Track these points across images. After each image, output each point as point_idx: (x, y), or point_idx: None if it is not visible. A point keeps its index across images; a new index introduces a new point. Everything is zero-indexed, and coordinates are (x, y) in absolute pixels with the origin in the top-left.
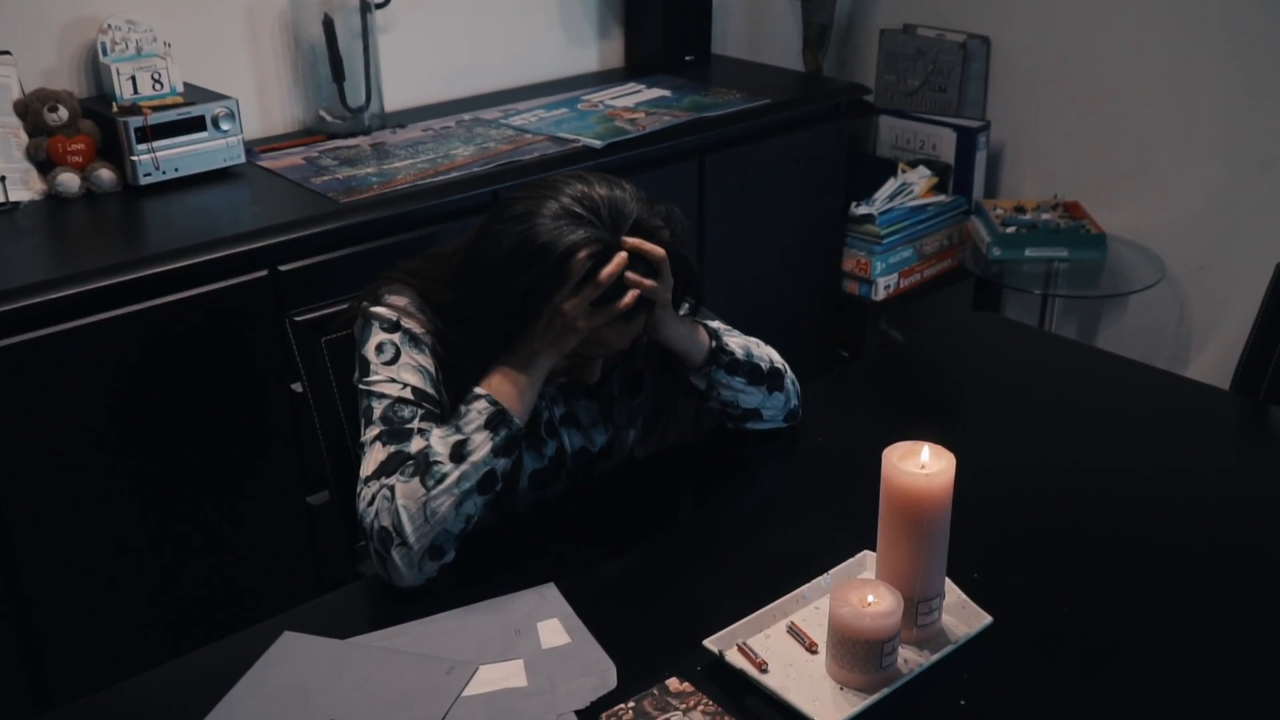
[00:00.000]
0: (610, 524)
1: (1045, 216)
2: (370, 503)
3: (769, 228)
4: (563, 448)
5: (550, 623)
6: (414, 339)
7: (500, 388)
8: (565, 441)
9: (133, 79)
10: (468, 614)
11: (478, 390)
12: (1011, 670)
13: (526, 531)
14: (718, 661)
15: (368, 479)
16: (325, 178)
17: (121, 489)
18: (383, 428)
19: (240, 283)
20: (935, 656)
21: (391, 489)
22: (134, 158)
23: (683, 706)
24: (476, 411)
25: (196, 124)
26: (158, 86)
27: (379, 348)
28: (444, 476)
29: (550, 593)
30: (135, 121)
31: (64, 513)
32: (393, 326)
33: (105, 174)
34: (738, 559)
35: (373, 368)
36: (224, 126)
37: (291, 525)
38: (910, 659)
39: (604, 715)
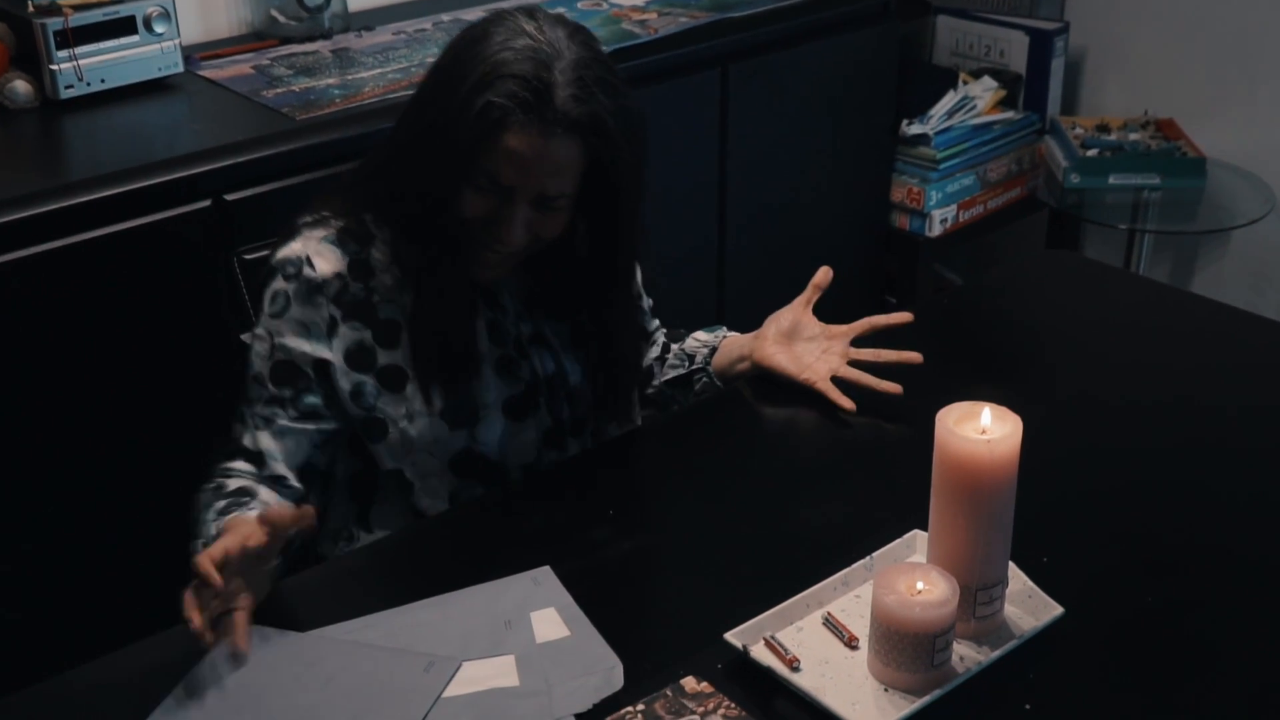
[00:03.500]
0: (616, 498)
1: (1133, 137)
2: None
3: (804, 151)
4: (535, 371)
5: (546, 613)
6: (312, 288)
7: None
8: (537, 364)
9: None
10: (449, 602)
11: (219, 525)
12: (1085, 670)
13: (518, 505)
14: (741, 658)
15: (213, 456)
16: (278, 90)
17: (43, 454)
18: (242, 404)
19: (179, 214)
20: (996, 654)
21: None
22: (53, 67)
23: (700, 710)
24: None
25: (126, 26)
26: None
27: (273, 297)
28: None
29: (546, 578)
30: (54, 23)
31: None
32: (295, 272)
33: (20, 86)
34: (765, 539)
35: (261, 318)
36: (158, 29)
37: None
38: (967, 656)
39: None
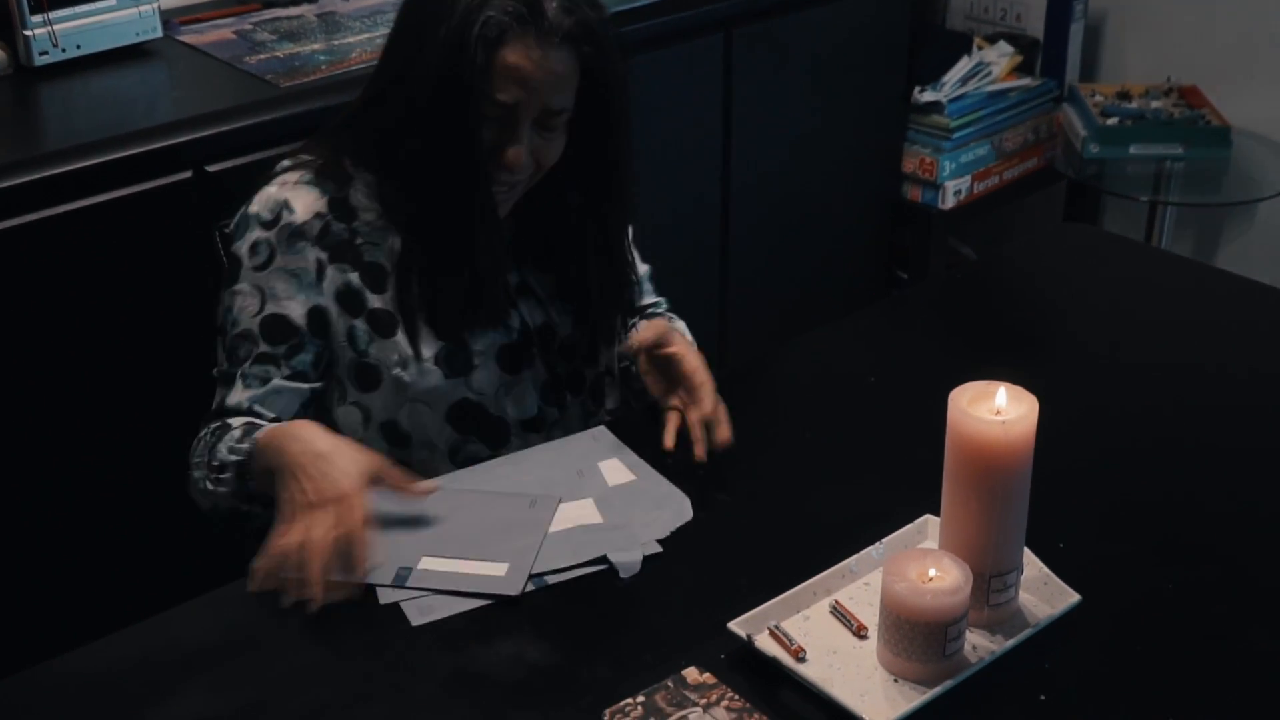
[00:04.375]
0: None
1: (1155, 105)
2: (193, 445)
3: (811, 120)
4: (526, 322)
5: (611, 463)
6: (294, 233)
7: (269, 442)
8: (525, 315)
9: None
10: (521, 459)
11: (257, 434)
12: (1103, 660)
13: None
14: (745, 648)
15: (204, 422)
16: (262, 56)
17: (20, 436)
18: (225, 364)
19: (159, 186)
20: (1010, 643)
21: (197, 447)
22: (27, 32)
23: (702, 701)
24: (239, 448)
25: None
26: None
27: (253, 248)
28: (207, 481)
29: (604, 435)
30: None
31: None
32: (273, 219)
33: None
34: (769, 525)
35: (242, 271)
36: None
37: None
38: (980, 646)
39: (608, 712)
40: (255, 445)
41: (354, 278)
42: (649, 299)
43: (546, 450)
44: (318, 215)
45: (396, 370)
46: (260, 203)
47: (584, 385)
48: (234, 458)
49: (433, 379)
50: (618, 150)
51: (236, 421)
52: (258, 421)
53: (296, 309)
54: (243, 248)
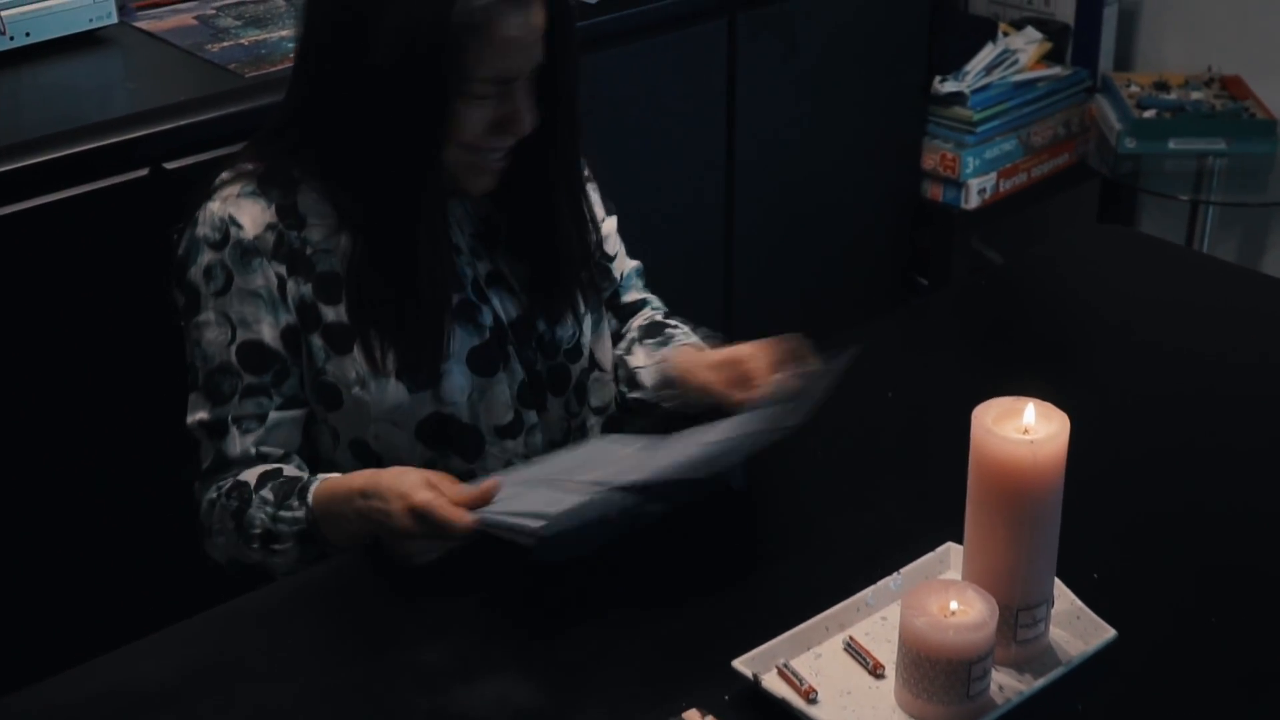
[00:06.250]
0: None
1: (1196, 96)
2: (205, 511)
3: (823, 113)
4: (499, 316)
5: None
6: (247, 250)
7: (321, 504)
8: (498, 308)
9: None
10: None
11: (309, 493)
12: (1140, 700)
13: None
14: (751, 688)
15: (201, 480)
16: (225, 44)
17: None
18: (207, 408)
19: (113, 185)
20: (1040, 682)
21: (213, 511)
22: None
23: None
24: (294, 518)
25: None
26: None
27: (208, 272)
28: (250, 551)
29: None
30: None
31: None
32: (222, 238)
33: None
34: (778, 554)
35: (203, 300)
36: None
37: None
38: (1007, 685)
39: None
40: (313, 513)
41: (308, 290)
42: (635, 295)
43: (582, 453)
44: (269, 227)
45: (356, 390)
46: (205, 223)
47: (569, 383)
48: (289, 528)
49: (395, 396)
50: (573, 70)
51: (250, 475)
52: (280, 470)
53: (269, 332)
54: (197, 274)
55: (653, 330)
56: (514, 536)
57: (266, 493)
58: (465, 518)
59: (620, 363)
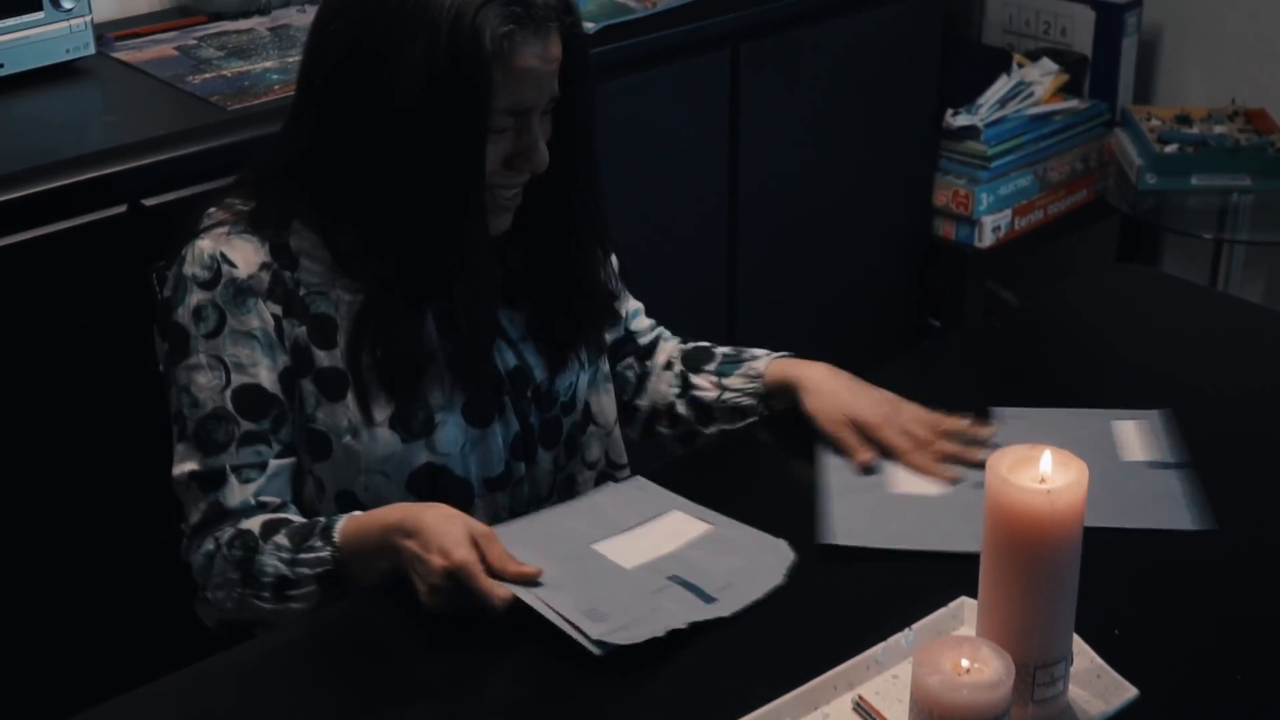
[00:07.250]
0: None
1: (1219, 130)
2: (202, 564)
3: (829, 146)
4: (496, 366)
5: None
6: (240, 289)
7: (351, 543)
8: (496, 358)
9: None
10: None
11: (334, 531)
12: None
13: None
14: None
15: (191, 535)
16: (206, 75)
17: None
18: (198, 458)
19: (90, 222)
20: None
21: (210, 564)
22: None
23: None
24: (317, 559)
25: (29, 1)
26: None
27: (197, 313)
28: (259, 601)
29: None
30: None
31: None
32: (213, 277)
33: None
34: (784, 608)
35: (192, 343)
36: (66, 4)
37: (167, 546)
38: None
39: None
40: (341, 551)
41: (302, 333)
42: (647, 331)
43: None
44: (263, 266)
45: (347, 438)
46: (193, 261)
47: (559, 436)
48: (311, 570)
49: (388, 445)
50: (590, 104)
51: (252, 524)
52: (286, 518)
53: (266, 375)
54: (185, 315)
55: (700, 356)
56: (567, 629)
57: (280, 539)
58: (504, 595)
59: (663, 402)
